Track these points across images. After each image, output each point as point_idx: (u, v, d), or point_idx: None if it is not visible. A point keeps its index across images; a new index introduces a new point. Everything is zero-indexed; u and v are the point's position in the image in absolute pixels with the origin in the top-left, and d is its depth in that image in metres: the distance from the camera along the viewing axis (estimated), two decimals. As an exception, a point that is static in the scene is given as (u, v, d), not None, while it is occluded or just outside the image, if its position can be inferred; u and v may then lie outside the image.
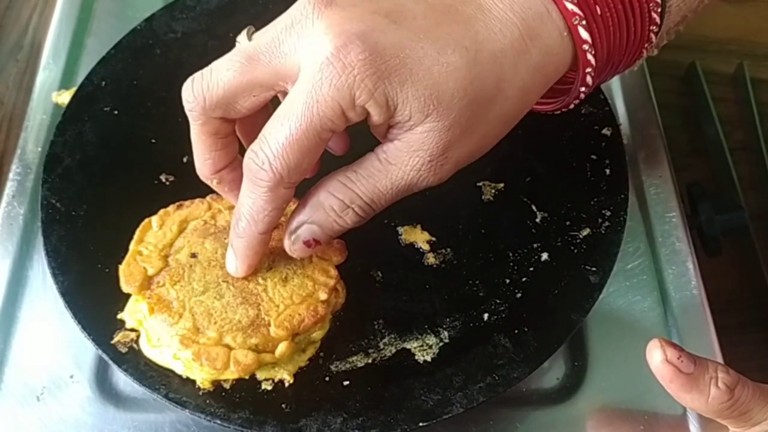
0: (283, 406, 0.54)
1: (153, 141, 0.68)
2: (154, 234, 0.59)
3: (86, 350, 0.64)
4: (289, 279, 0.56)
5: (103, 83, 0.70)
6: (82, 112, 0.68)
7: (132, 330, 0.57)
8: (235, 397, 0.54)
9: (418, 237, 0.64)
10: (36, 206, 0.70)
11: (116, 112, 0.69)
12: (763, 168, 0.91)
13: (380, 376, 0.56)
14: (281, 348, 0.54)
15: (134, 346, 0.56)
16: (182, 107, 0.70)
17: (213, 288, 0.55)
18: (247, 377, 0.54)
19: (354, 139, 0.58)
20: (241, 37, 0.53)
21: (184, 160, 0.67)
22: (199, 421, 0.57)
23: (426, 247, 0.63)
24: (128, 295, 0.58)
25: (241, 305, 0.55)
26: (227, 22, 0.75)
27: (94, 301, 0.57)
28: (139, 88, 0.70)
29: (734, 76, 1.01)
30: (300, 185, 0.53)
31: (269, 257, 0.57)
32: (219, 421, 0.53)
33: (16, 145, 0.76)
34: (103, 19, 0.86)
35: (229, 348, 0.53)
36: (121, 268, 0.57)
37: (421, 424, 0.53)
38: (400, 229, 0.64)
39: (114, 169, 0.65)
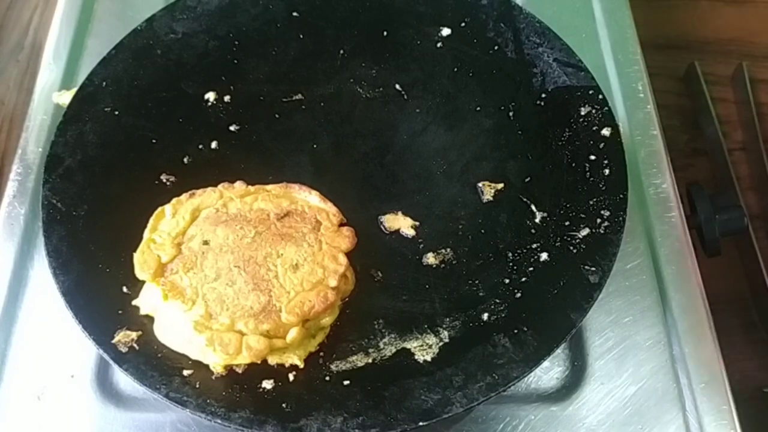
0: (284, 405, 0.54)
1: (153, 141, 0.68)
2: (167, 222, 0.59)
3: (87, 350, 0.64)
4: (299, 266, 0.57)
5: (104, 84, 0.70)
6: (83, 113, 0.68)
7: (146, 316, 0.57)
8: (236, 397, 0.54)
9: (402, 223, 0.64)
10: (37, 206, 0.70)
11: (117, 113, 0.69)
12: (762, 168, 0.92)
13: (380, 375, 0.56)
14: (292, 333, 0.55)
15: (135, 345, 0.56)
16: (182, 107, 0.71)
17: (225, 274, 0.56)
18: (259, 362, 0.55)
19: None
20: None
21: (185, 160, 0.67)
22: (199, 420, 0.57)
23: (411, 231, 0.64)
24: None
25: (253, 291, 0.55)
26: (227, 23, 0.75)
27: (95, 301, 0.58)
28: (139, 88, 0.71)
29: (733, 76, 1.01)
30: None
31: (280, 244, 0.58)
32: (219, 421, 0.53)
33: (17, 146, 0.76)
34: (104, 20, 0.86)
35: (242, 333, 0.54)
36: (136, 255, 0.57)
37: (421, 423, 0.53)
38: (382, 218, 0.65)
39: (115, 170, 0.66)
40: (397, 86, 0.73)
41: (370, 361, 0.57)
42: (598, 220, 0.63)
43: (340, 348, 0.58)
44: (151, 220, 0.59)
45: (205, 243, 0.58)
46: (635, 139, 0.79)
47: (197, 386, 0.54)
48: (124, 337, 0.56)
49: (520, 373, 0.56)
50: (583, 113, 0.69)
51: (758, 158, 0.93)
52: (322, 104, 0.72)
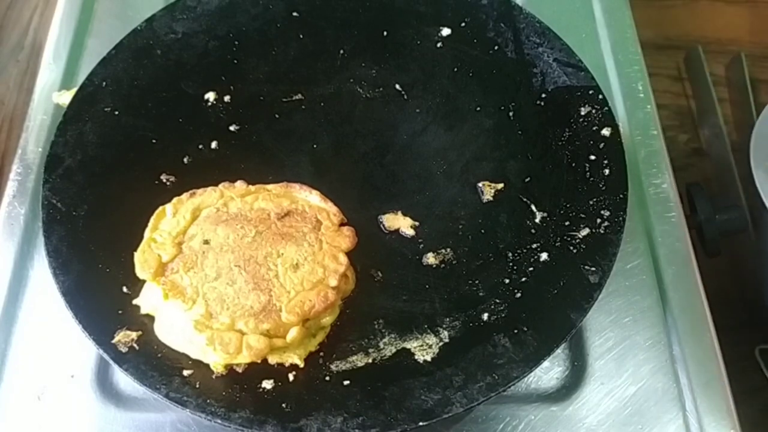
0: (284, 405, 0.54)
1: (153, 141, 0.68)
2: (168, 221, 0.60)
3: (87, 350, 0.64)
4: (300, 265, 0.57)
5: (104, 84, 0.70)
6: (83, 113, 0.68)
7: (146, 316, 0.57)
8: (236, 397, 0.54)
9: (402, 223, 0.64)
10: (37, 206, 0.70)
11: (117, 113, 0.69)
12: (763, 168, 0.92)
13: (380, 375, 0.56)
14: (292, 333, 0.55)
15: (135, 345, 0.56)
16: (183, 107, 0.71)
17: (225, 274, 0.56)
18: (259, 361, 0.55)
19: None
20: None
21: (185, 160, 0.67)
22: (199, 420, 0.57)
23: (411, 231, 0.64)
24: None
25: (253, 291, 0.55)
26: (227, 23, 0.75)
27: (95, 301, 0.58)
28: (139, 88, 0.71)
29: (734, 76, 1.01)
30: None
31: (281, 244, 0.58)
32: (219, 421, 0.53)
33: (17, 146, 0.76)
34: (104, 20, 0.86)
35: (242, 333, 0.54)
36: (137, 254, 0.58)
37: (421, 423, 0.53)
38: (382, 218, 0.65)
39: (115, 170, 0.66)
40: (397, 86, 0.73)
41: (370, 361, 0.57)
42: (598, 220, 0.63)
43: (340, 348, 0.58)
44: (152, 220, 0.60)
45: (206, 242, 0.58)
46: (635, 139, 0.79)
47: (197, 386, 0.54)
48: (124, 337, 0.56)
49: (520, 373, 0.56)
50: (583, 113, 0.69)
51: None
52: (322, 104, 0.72)
